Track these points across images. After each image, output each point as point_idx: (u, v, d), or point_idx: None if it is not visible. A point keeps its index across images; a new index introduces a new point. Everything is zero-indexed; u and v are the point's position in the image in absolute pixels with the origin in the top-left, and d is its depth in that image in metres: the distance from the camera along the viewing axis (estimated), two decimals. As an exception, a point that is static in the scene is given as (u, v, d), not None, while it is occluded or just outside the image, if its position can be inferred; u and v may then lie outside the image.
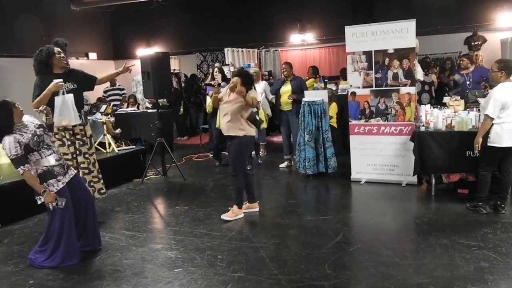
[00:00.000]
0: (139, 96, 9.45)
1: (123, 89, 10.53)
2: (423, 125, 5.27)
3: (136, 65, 6.49)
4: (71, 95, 4.51)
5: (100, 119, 7.04)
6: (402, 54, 5.51)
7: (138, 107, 9.36)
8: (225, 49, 9.67)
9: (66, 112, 4.47)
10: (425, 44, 7.33)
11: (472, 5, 9.47)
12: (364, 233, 4.34)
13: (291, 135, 6.96)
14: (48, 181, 3.62)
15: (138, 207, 5.41)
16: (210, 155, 7.98)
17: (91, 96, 9.40)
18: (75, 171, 4.01)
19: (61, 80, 4.42)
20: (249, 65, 8.83)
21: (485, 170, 4.47)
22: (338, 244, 3.94)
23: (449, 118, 5.09)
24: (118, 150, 6.70)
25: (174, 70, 10.88)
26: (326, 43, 11.03)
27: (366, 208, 5.10)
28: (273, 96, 7.17)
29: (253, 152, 7.23)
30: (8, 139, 3.47)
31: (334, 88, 8.44)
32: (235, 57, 9.73)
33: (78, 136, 4.71)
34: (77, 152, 4.73)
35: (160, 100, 7.39)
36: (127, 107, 9.47)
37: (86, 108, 6.65)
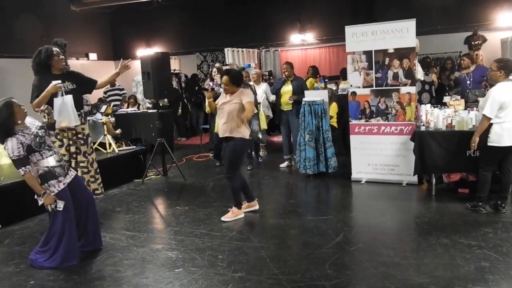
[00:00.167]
0: (139, 96, 9.45)
1: (123, 89, 10.53)
2: (423, 125, 5.27)
3: (134, 63, 6.47)
4: (70, 96, 4.51)
5: (101, 119, 7.05)
6: (402, 53, 5.51)
7: (138, 108, 9.36)
8: (225, 49, 9.67)
9: (65, 113, 4.47)
10: (425, 43, 7.33)
11: (472, 5, 9.47)
12: (364, 233, 4.33)
13: (291, 135, 6.96)
14: (49, 182, 3.62)
15: (138, 207, 5.41)
16: (211, 155, 7.99)
17: (91, 96, 9.41)
18: (75, 172, 4.01)
19: (60, 81, 4.42)
20: (249, 65, 8.84)
21: (485, 170, 4.47)
22: (338, 244, 3.94)
23: (450, 118, 5.09)
24: (119, 151, 6.71)
25: (174, 70, 10.88)
26: (326, 43, 11.02)
27: (366, 208, 5.10)
28: (274, 96, 7.18)
29: (253, 153, 7.25)
30: (10, 140, 3.47)
31: (334, 88, 8.44)
32: (235, 57, 9.73)
33: (79, 136, 4.73)
34: (77, 151, 4.74)
35: (161, 100, 7.39)
36: (127, 107, 9.47)
37: (87, 108, 6.65)
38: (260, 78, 7.89)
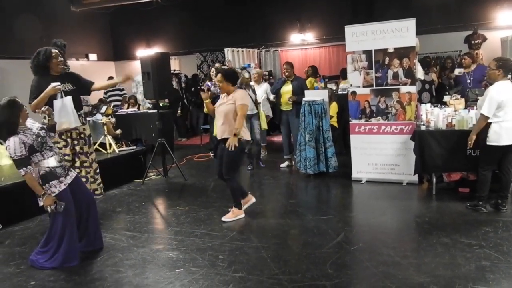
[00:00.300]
0: (140, 96, 9.46)
1: (123, 90, 10.55)
2: (423, 124, 5.27)
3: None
4: (69, 98, 4.51)
5: (101, 120, 7.05)
6: (402, 53, 5.51)
7: (138, 108, 9.37)
8: (225, 49, 9.68)
9: (65, 115, 4.47)
10: (425, 43, 7.32)
11: (472, 4, 9.47)
12: (365, 232, 4.33)
13: (291, 135, 6.96)
14: (50, 182, 3.62)
15: (139, 207, 5.41)
16: (211, 155, 7.98)
17: (91, 97, 9.41)
18: (76, 173, 4.01)
19: (59, 83, 4.42)
20: (249, 65, 8.84)
21: (485, 169, 4.46)
22: (339, 244, 3.94)
23: (450, 117, 5.09)
24: (119, 151, 6.71)
25: (175, 70, 10.88)
26: (326, 42, 11.03)
27: (367, 208, 5.10)
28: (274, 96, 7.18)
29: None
30: (13, 140, 3.47)
31: (334, 87, 8.44)
32: (235, 57, 9.73)
33: (82, 136, 4.74)
34: (80, 151, 4.75)
35: (161, 101, 7.38)
36: (128, 107, 9.48)
37: (87, 109, 6.66)
38: (261, 77, 7.89)
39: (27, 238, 4.52)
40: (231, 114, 4.51)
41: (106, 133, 6.72)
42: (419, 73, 6.31)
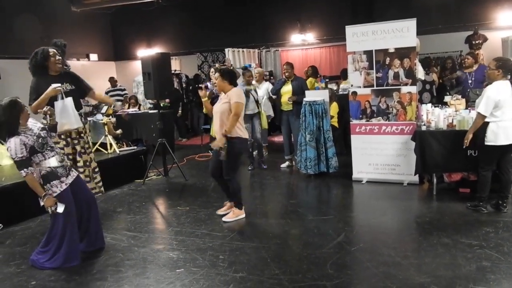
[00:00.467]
0: (140, 97, 9.47)
1: (124, 90, 10.56)
2: (424, 125, 5.27)
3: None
4: (70, 99, 4.51)
5: (101, 120, 7.05)
6: (403, 53, 5.51)
7: (139, 108, 9.38)
8: (226, 50, 9.68)
9: (66, 116, 4.48)
10: (425, 43, 7.32)
11: (472, 4, 9.47)
12: (365, 232, 4.33)
13: (292, 135, 6.96)
14: (51, 182, 3.62)
15: (139, 207, 5.41)
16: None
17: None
18: (77, 173, 4.01)
19: (59, 84, 4.42)
20: (250, 65, 8.85)
21: (485, 170, 4.46)
22: (339, 244, 3.94)
23: (450, 117, 5.09)
24: (120, 151, 6.71)
25: (175, 70, 10.90)
26: (327, 42, 11.03)
27: (367, 208, 5.09)
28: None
29: (255, 153, 7.24)
30: (14, 141, 3.47)
31: (335, 88, 8.44)
32: (236, 57, 9.73)
33: (82, 135, 4.76)
34: (82, 151, 4.76)
35: (162, 101, 7.38)
36: (128, 107, 9.49)
37: (87, 109, 6.66)
38: (262, 77, 7.89)
39: (27, 238, 4.52)
40: (226, 114, 4.47)
41: (106, 133, 6.72)
42: (420, 73, 6.31)
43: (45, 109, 3.86)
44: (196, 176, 6.83)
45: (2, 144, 4.46)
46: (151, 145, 8.06)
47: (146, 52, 11.45)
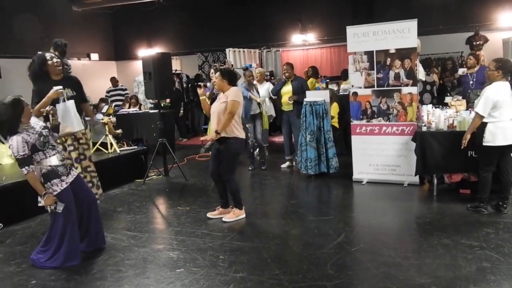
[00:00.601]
0: (141, 96, 9.47)
1: (125, 89, 10.56)
2: (425, 125, 5.27)
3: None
4: (72, 102, 4.52)
5: (102, 119, 7.05)
6: (403, 54, 5.51)
7: (140, 108, 9.38)
8: (226, 50, 9.68)
9: (68, 119, 4.48)
10: (426, 44, 7.32)
11: (473, 5, 9.48)
12: (365, 233, 4.33)
13: (292, 135, 6.95)
14: (52, 181, 3.63)
15: (140, 207, 5.41)
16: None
17: (93, 97, 9.43)
18: (77, 172, 4.02)
19: (61, 87, 4.42)
20: (250, 65, 8.85)
21: (485, 171, 4.46)
22: (340, 245, 3.94)
23: (451, 118, 5.09)
24: (120, 151, 6.71)
25: (176, 70, 10.91)
26: (328, 43, 11.04)
27: (368, 208, 5.09)
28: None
29: (255, 153, 7.24)
30: (16, 139, 3.48)
31: (335, 88, 8.44)
32: (237, 57, 9.73)
33: (81, 141, 4.74)
34: (81, 157, 4.75)
35: (162, 101, 7.38)
36: (129, 107, 9.49)
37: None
38: (263, 77, 7.89)
39: (28, 237, 4.52)
40: (223, 113, 4.45)
41: (107, 133, 6.72)
42: (421, 74, 6.31)
43: (47, 108, 3.87)
44: (197, 176, 6.83)
45: (3, 143, 4.46)
46: (151, 145, 8.05)
47: (147, 52, 11.47)
